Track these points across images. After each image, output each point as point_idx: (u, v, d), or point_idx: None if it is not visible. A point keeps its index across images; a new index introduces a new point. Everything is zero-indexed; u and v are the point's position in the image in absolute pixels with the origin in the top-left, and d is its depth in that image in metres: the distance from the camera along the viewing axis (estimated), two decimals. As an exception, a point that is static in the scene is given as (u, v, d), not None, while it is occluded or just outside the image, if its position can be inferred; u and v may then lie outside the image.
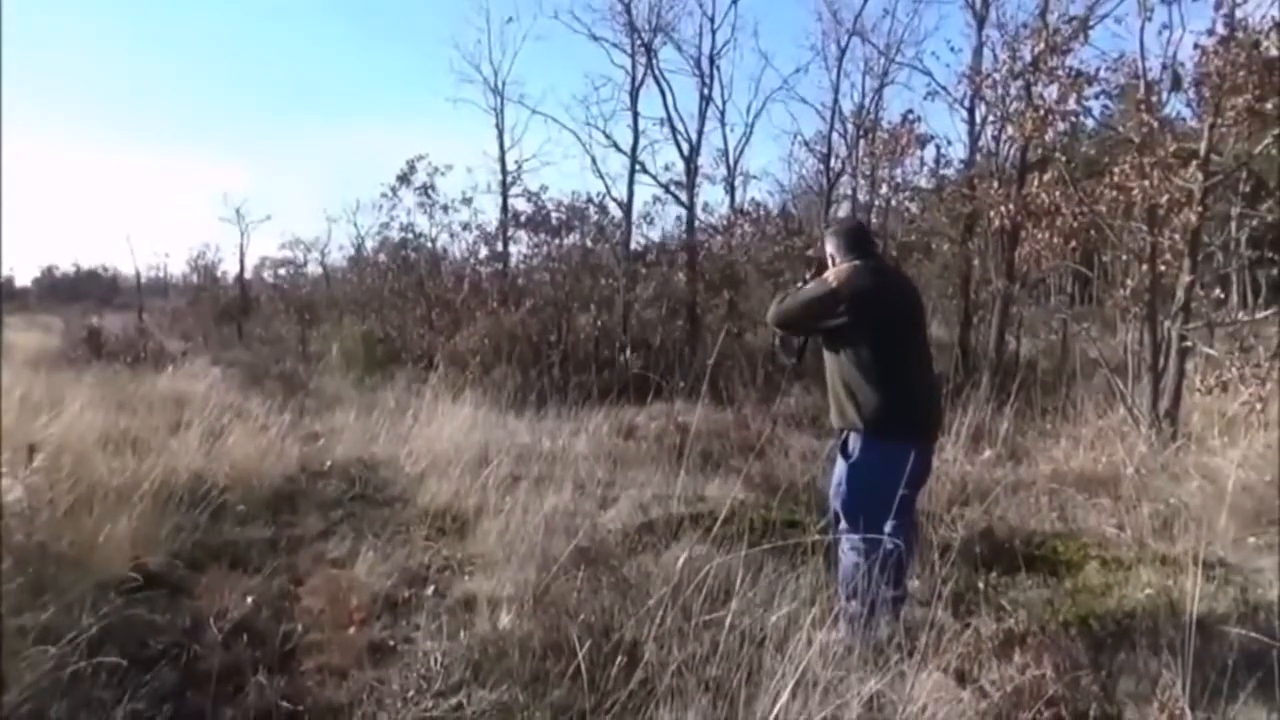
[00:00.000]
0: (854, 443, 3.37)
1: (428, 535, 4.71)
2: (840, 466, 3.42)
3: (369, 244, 17.97)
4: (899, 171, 13.00)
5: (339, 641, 3.49)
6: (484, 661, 3.10)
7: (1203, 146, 7.00)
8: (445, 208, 14.52)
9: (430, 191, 14.48)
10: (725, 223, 15.07)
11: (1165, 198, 6.99)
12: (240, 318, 22.29)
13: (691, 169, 15.40)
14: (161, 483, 4.85)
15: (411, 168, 14.47)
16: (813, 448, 6.84)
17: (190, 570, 4.17)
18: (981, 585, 3.99)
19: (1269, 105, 6.61)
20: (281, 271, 21.24)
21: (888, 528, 3.20)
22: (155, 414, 7.49)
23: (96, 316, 17.68)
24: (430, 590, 3.98)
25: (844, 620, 3.09)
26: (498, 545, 4.37)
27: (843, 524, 3.38)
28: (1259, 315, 7.65)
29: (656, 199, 15.98)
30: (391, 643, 3.48)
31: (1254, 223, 8.31)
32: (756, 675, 2.51)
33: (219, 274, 26.01)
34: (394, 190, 14.76)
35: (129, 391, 8.97)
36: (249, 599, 3.81)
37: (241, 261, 24.57)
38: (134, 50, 48.28)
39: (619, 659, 2.83)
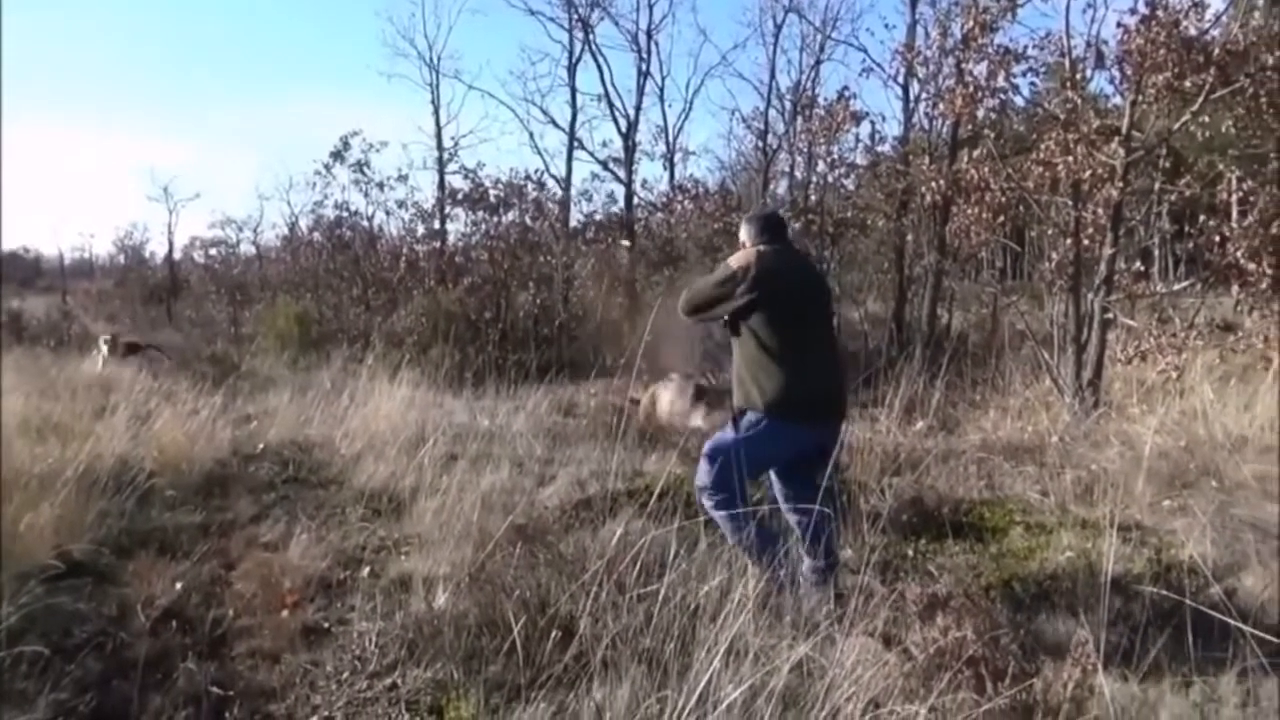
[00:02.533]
0: (750, 418, 3.43)
1: (363, 516, 4.67)
2: (727, 437, 3.48)
3: (303, 223, 17.61)
4: (835, 148, 13.12)
5: (271, 625, 3.45)
6: (419, 640, 3.08)
7: (1125, 123, 7.21)
8: (381, 185, 14.32)
9: (365, 168, 14.25)
10: (664, 199, 15.10)
11: (1088, 173, 7.19)
12: (169, 299, 21.71)
13: (630, 145, 15.40)
14: (86, 469, 4.71)
15: (345, 144, 14.23)
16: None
17: (116, 557, 4.07)
18: (910, 552, 4.10)
19: (1188, 83, 6.82)
20: (212, 251, 20.74)
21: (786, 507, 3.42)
22: (79, 399, 7.27)
23: (17, 300, 17.07)
24: (365, 571, 3.95)
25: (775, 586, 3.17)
26: (434, 525, 4.34)
27: (712, 496, 3.43)
28: (1177, 287, 7.92)
29: (595, 176, 15.95)
30: (326, 625, 3.45)
31: (1173, 198, 8.57)
32: (690, 645, 2.55)
33: (147, 254, 25.31)
34: (328, 167, 14.51)
35: (51, 376, 8.70)
36: (178, 585, 3.74)
37: (170, 241, 23.94)
38: (56, 23, 46.32)
39: (554, 633, 2.84)
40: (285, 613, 3.56)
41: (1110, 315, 7.18)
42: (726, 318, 3.56)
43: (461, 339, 10.04)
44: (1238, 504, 4.56)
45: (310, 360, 10.83)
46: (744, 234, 3.71)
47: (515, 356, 9.97)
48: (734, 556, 3.18)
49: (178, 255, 23.59)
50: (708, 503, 3.44)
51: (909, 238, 11.87)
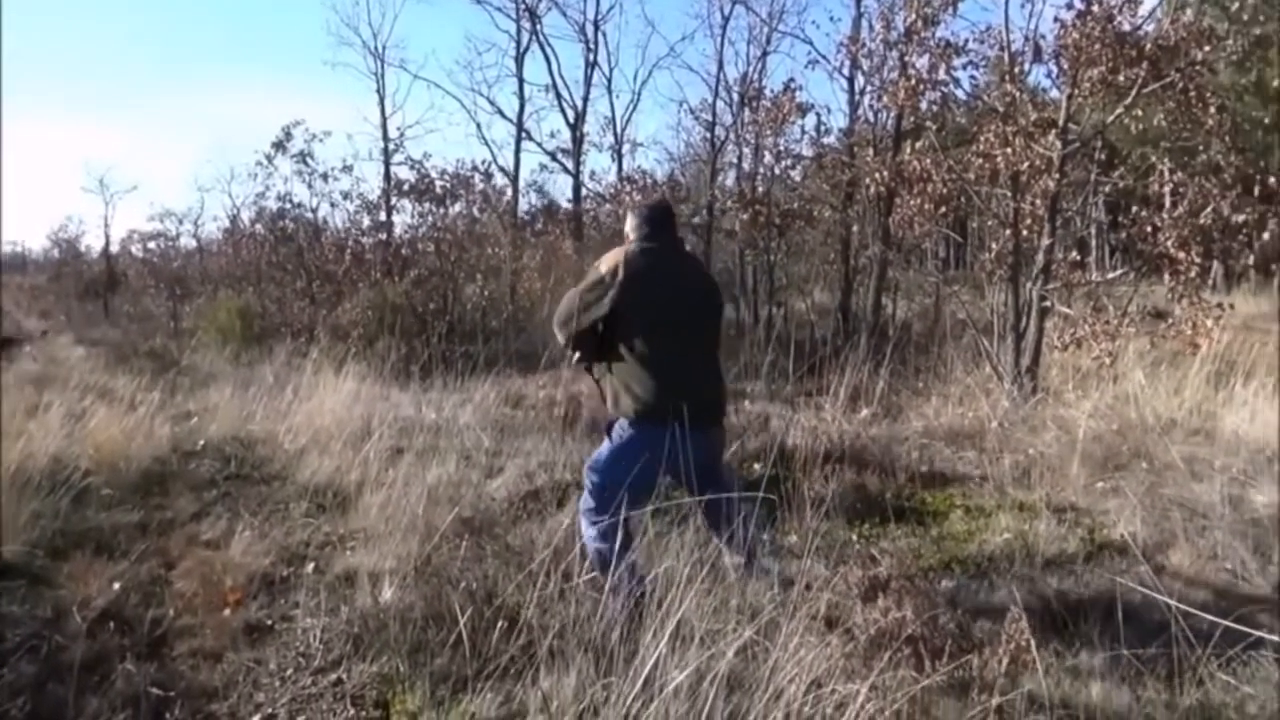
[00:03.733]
0: (619, 427, 3.33)
1: (307, 512, 4.62)
2: (603, 451, 3.37)
3: (245, 215, 17.24)
4: (781, 140, 13.23)
5: (213, 624, 3.40)
6: (364, 635, 3.06)
7: (1061, 116, 7.38)
8: (325, 176, 14.05)
9: (308, 159, 13.97)
10: (613, 191, 15.08)
11: (1027, 165, 7.35)
12: (106, 294, 21.13)
13: (578, 136, 15.35)
14: (18, 469, 4.59)
15: (288, 134, 13.93)
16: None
17: (51, 559, 3.98)
18: (854, 537, 4.17)
19: (1121, 77, 7.00)
20: (151, 245, 20.20)
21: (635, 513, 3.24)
22: (10, 397, 7.05)
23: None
24: (310, 567, 3.90)
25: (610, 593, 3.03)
26: (379, 519, 4.30)
27: (589, 504, 3.34)
28: (1111, 276, 8.13)
29: (543, 167, 15.86)
30: (269, 622, 3.41)
31: (1108, 189, 8.81)
32: (636, 633, 2.56)
33: (82, 248, 24.59)
34: (269, 158, 14.19)
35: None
36: (115, 585, 3.67)
37: (106, 234, 23.32)
38: (-25, 6, 44.48)
39: (500, 624, 2.84)
40: (227, 611, 3.51)
41: (1048, 304, 7.35)
42: (578, 353, 3.42)
43: (408, 332, 9.91)
44: (1167, 484, 4.71)
45: (253, 355, 10.62)
46: (627, 225, 3.56)
47: (463, 349, 9.88)
48: (680, 546, 3.21)
49: (115, 249, 22.96)
50: (586, 527, 3.32)
51: (854, 229, 12.02)
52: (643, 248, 3.39)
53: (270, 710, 2.72)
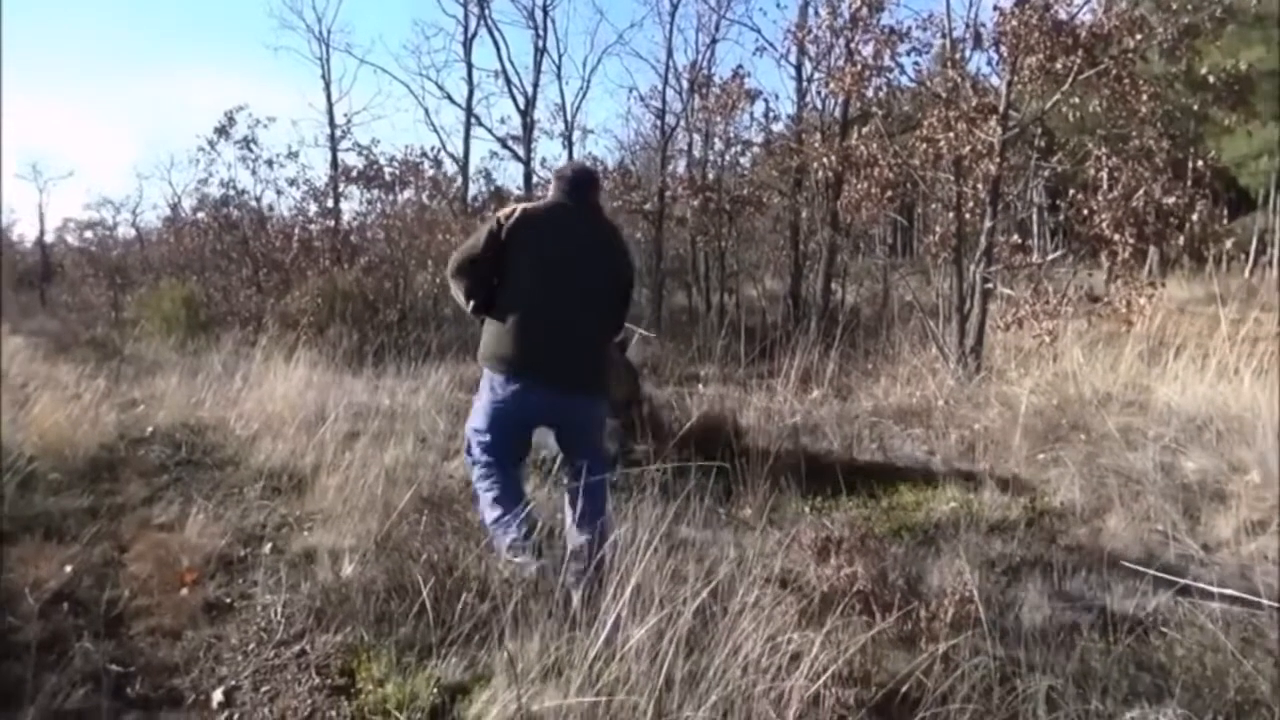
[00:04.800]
0: (482, 380, 3.46)
1: (263, 494, 4.58)
2: (478, 397, 3.49)
3: (186, 203, 16.86)
4: (731, 126, 13.36)
5: (170, 604, 3.37)
6: (327, 608, 3.08)
7: (1002, 102, 7.58)
8: (270, 162, 13.82)
9: (252, 145, 13.73)
10: (563, 178, 15.06)
11: (968, 149, 7.55)
12: (42, 284, 20.53)
13: (528, 123, 15.30)
14: (-43, 458, 4.49)
15: (231, 120, 13.67)
16: (650, 392, 7.03)
17: (-3, 544, 3.91)
18: (807, 509, 4.28)
19: (1059, 64, 7.22)
20: (88, 234, 19.69)
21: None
22: (-54, 386, 6.86)
23: None
24: (267, 548, 3.89)
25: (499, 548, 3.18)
26: (337, 500, 4.29)
27: (468, 459, 3.50)
28: (1050, 258, 8.38)
29: (494, 154, 15.77)
30: (228, 600, 3.39)
31: (1047, 174, 9.06)
32: (598, 598, 2.62)
33: (15, 237, 23.82)
34: (212, 144, 13.91)
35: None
36: (67, 568, 3.61)
37: (41, 222, 22.62)
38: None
39: (463, 595, 2.88)
40: (184, 591, 3.49)
41: (990, 285, 7.56)
42: (473, 302, 3.45)
43: (359, 319, 9.85)
44: (1103, 454, 4.90)
45: (199, 344, 10.43)
46: (550, 186, 3.58)
47: (415, 335, 9.84)
48: (638, 513, 3.28)
49: (50, 238, 22.33)
50: (471, 473, 3.46)
51: (804, 214, 12.18)
52: (550, 202, 3.47)
53: (234, 682, 2.73)
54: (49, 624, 3.12)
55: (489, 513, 3.33)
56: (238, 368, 7.90)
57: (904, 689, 2.33)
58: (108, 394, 6.89)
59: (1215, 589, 3.03)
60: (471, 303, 3.48)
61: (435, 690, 2.48)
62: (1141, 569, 3.16)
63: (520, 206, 3.41)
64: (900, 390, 6.96)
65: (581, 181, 3.54)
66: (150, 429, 6.05)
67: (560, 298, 3.33)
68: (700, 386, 7.46)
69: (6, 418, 5.56)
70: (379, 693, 2.54)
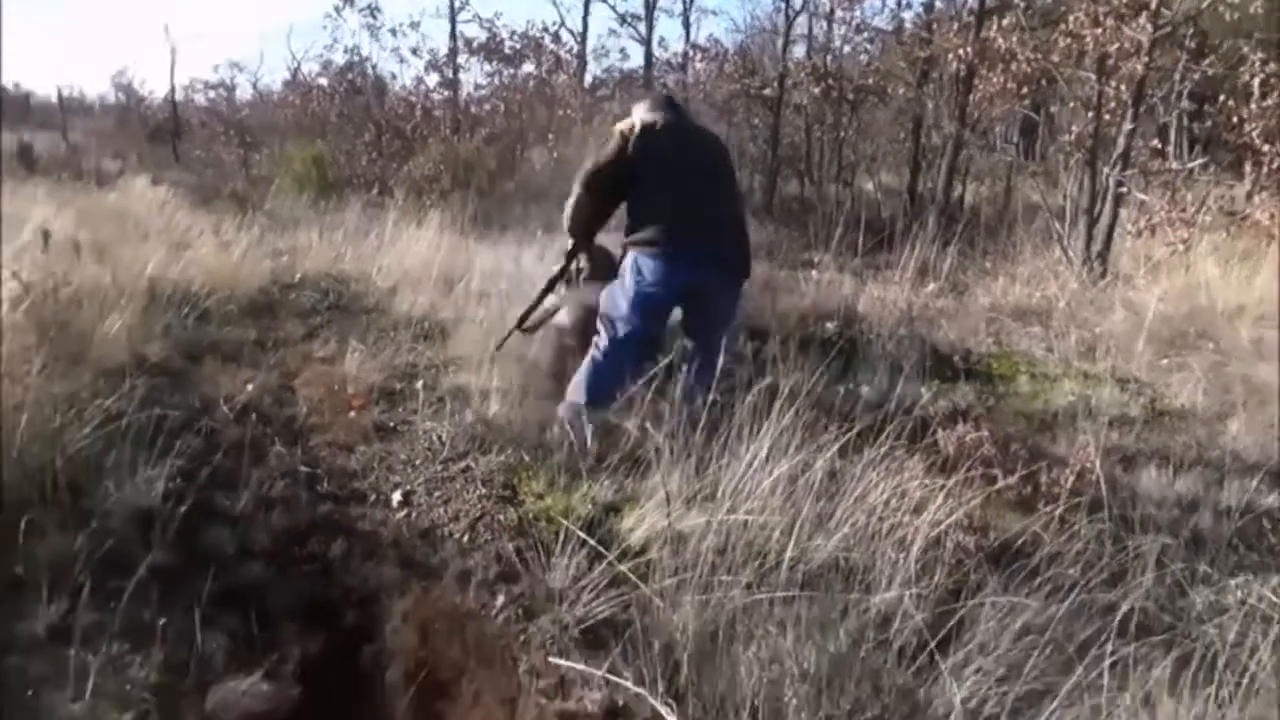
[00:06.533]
0: (627, 259, 3.52)
1: (410, 339, 4.95)
2: (614, 289, 3.56)
3: (306, 68, 17.21)
4: (857, 12, 12.88)
5: (341, 423, 3.77)
6: (484, 435, 3.42)
7: (1154, -1, 7.18)
8: (393, 31, 14.02)
9: (376, 13, 13.93)
10: (681, 59, 14.86)
11: (1115, 47, 7.21)
12: (174, 139, 21.39)
13: (649, 1, 15.01)
14: (149, 285, 4.96)
15: (356, -13, 13.85)
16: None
17: (188, 363, 4.37)
18: (924, 391, 4.42)
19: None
20: (212, 94, 20.33)
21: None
22: (112, 227, 7.42)
23: (22, 134, 16.87)
24: (420, 384, 4.24)
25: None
26: (478, 349, 4.60)
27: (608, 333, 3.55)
28: (1190, 165, 8.04)
29: (613, 32, 15.59)
30: (392, 424, 3.76)
31: (1195, 77, 8.58)
32: (736, 443, 2.84)
33: (145, 94, 24.69)
34: (338, 10, 14.16)
35: (79, 206, 8.81)
36: (249, 387, 4.04)
37: (172, 80, 23.37)
38: None
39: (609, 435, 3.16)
40: (352, 414, 3.88)
41: (1125, 190, 7.34)
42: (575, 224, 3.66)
43: (480, 188, 10.12)
44: (1231, 364, 4.87)
45: (329, 203, 10.91)
46: (635, 111, 3.68)
47: (536, 207, 10.08)
48: (777, 367, 3.46)
49: (178, 97, 23.07)
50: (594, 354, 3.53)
51: (929, 107, 11.81)
52: (661, 117, 3.58)
53: (409, 488, 3.10)
54: (243, 429, 3.53)
55: (600, 388, 3.41)
56: (369, 228, 8.30)
57: (1020, 542, 2.52)
58: (256, 243, 7.36)
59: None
60: (574, 224, 3.72)
61: (591, 505, 2.79)
62: (1258, 468, 3.23)
63: (637, 120, 3.54)
64: (1019, 290, 6.92)
65: (678, 103, 3.84)
66: (299, 276, 6.49)
67: (702, 185, 3.55)
68: (813, 272, 7.54)
69: (173, 259, 6.04)
70: (540, 504, 2.86)
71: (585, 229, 3.78)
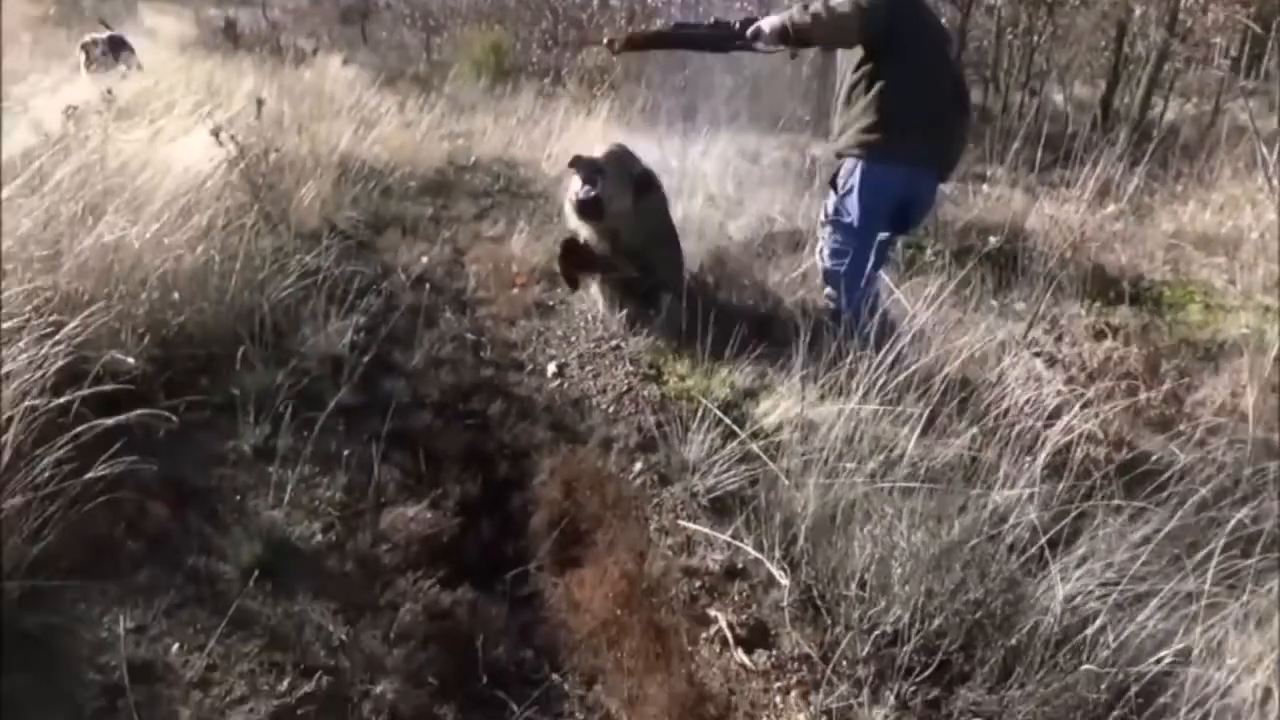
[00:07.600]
0: (847, 164, 3.29)
1: (574, 225, 5.17)
2: (841, 200, 3.33)
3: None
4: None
5: (504, 298, 4.06)
6: (636, 318, 3.61)
7: None
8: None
9: (560, -102, 13.87)
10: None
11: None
12: (362, 21, 22.24)
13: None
14: (340, 160, 5.36)
15: None
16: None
17: (371, 232, 4.75)
18: (1083, 311, 4.29)
19: None
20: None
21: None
22: (309, 102, 7.93)
23: (232, 8, 17.93)
24: (580, 269, 4.47)
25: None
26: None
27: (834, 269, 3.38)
28: None
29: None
30: (551, 304, 4.02)
31: None
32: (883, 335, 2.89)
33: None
34: (524, -105, 14.17)
35: (280, 81, 9.43)
36: (423, 259, 4.38)
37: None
38: None
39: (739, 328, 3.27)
40: (515, 290, 4.16)
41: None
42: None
43: (652, 82, 10.14)
44: None
45: (505, 89, 11.21)
46: None
47: (703, 103, 10.04)
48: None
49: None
50: (830, 287, 3.40)
51: (1135, 13, 10.84)
52: None
53: (563, 360, 3.36)
54: (418, 296, 3.87)
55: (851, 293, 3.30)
56: (541, 116, 8.54)
57: (1154, 458, 2.50)
58: (437, 125, 7.73)
59: None
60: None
61: (729, 389, 2.96)
62: None
63: None
64: (1209, 217, 6.45)
65: None
66: (473, 159, 6.82)
67: (939, 82, 3.29)
68: (984, 185, 7.26)
69: (360, 137, 6.42)
70: (682, 384, 3.06)
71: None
